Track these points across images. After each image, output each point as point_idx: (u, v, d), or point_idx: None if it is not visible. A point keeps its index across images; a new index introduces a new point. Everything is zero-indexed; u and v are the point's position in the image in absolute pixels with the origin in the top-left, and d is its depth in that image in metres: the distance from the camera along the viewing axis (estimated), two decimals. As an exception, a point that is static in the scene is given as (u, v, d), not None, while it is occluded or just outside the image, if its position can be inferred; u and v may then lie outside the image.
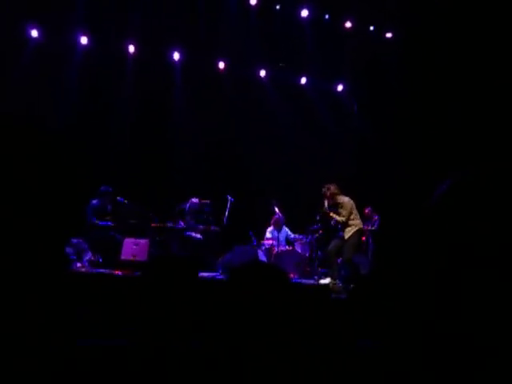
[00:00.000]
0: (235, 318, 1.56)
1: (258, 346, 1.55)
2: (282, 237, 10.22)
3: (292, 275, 8.95)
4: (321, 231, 9.91)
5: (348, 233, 8.52)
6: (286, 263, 9.36)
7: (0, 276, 1.07)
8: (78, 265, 7.97)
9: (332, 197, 8.62)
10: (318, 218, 9.62)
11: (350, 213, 8.52)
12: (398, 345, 2.29)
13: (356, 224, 8.54)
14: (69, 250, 8.17)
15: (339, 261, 8.84)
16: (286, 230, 10.46)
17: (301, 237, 10.34)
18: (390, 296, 2.99)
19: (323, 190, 8.69)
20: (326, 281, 8.56)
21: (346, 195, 8.74)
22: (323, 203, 8.82)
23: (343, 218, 8.49)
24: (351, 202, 8.63)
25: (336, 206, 8.66)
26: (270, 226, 10.47)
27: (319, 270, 9.59)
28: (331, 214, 8.73)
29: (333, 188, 8.63)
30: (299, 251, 10.02)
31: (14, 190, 1.10)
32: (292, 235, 10.42)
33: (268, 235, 10.38)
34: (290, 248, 10.05)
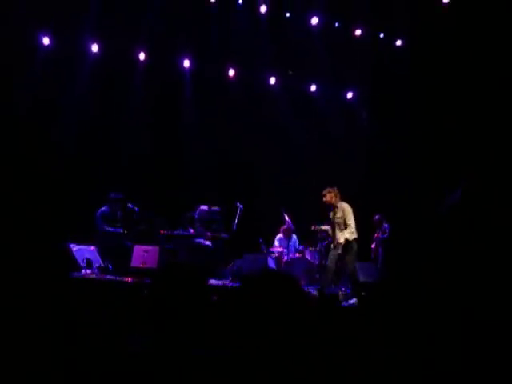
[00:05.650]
0: (248, 324, 1.55)
1: (270, 351, 1.54)
2: (291, 245, 10.21)
3: (302, 283, 8.92)
4: (330, 238, 9.88)
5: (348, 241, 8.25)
6: (295, 271, 9.35)
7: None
8: (88, 271, 7.98)
9: (334, 201, 8.41)
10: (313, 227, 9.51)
11: (352, 220, 8.29)
12: (410, 351, 2.26)
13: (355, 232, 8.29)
14: (78, 256, 8.21)
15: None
16: (295, 238, 10.44)
17: (307, 249, 10.27)
18: (400, 304, 2.96)
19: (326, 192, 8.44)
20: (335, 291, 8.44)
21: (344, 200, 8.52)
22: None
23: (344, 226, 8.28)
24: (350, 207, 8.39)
25: (335, 212, 8.43)
26: (278, 233, 10.46)
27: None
28: (324, 228, 8.69)
29: (337, 192, 8.45)
30: (309, 259, 10.00)
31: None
32: (298, 246, 10.39)
33: (276, 243, 10.38)
34: (300, 256, 10.03)
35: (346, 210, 8.31)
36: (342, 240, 8.20)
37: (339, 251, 8.20)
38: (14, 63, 9.53)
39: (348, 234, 8.20)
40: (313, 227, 9.25)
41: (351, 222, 8.24)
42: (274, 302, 1.58)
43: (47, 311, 2.79)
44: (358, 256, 8.43)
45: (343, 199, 8.49)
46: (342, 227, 8.29)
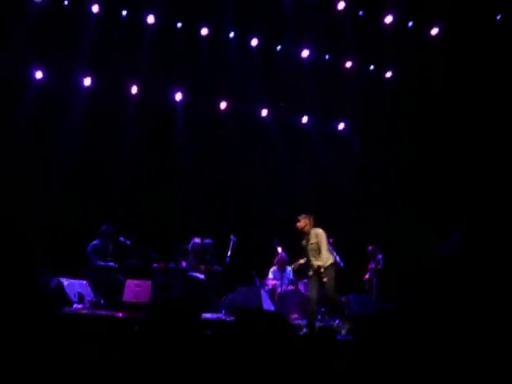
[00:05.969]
0: (239, 363, 1.52)
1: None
2: (285, 277, 10.11)
3: (295, 315, 8.85)
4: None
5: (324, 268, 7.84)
6: (289, 303, 9.26)
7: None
8: (79, 306, 7.89)
9: (307, 228, 8.03)
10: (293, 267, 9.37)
11: (325, 245, 7.95)
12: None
13: (330, 257, 8.00)
14: (70, 290, 8.12)
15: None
16: (290, 269, 10.35)
17: (300, 280, 10.12)
18: (397, 336, 2.92)
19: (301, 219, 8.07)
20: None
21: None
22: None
23: (320, 256, 7.87)
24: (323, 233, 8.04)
25: (308, 239, 8.05)
26: (273, 265, 10.38)
27: (321, 309, 9.43)
28: (300, 262, 8.54)
29: (312, 219, 8.09)
30: (302, 291, 9.91)
31: None
32: (293, 277, 10.24)
33: (270, 275, 10.29)
34: (294, 288, 9.94)
35: (319, 235, 7.92)
36: (315, 269, 7.88)
37: (324, 278, 7.90)
38: (6, 97, 9.56)
39: (321, 261, 7.84)
40: (292, 266, 9.12)
41: (323, 248, 7.87)
42: (264, 342, 1.55)
43: (37, 348, 2.74)
44: (336, 281, 7.89)
45: (324, 228, 8.18)
46: (316, 254, 7.90)
